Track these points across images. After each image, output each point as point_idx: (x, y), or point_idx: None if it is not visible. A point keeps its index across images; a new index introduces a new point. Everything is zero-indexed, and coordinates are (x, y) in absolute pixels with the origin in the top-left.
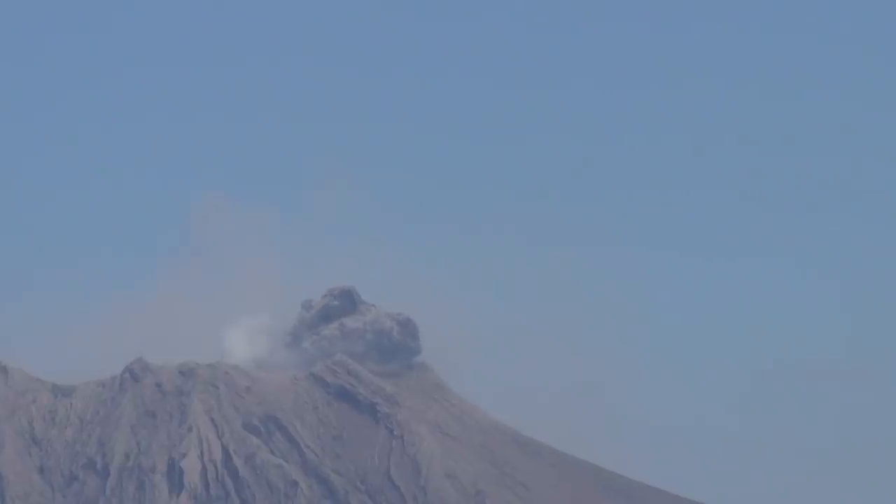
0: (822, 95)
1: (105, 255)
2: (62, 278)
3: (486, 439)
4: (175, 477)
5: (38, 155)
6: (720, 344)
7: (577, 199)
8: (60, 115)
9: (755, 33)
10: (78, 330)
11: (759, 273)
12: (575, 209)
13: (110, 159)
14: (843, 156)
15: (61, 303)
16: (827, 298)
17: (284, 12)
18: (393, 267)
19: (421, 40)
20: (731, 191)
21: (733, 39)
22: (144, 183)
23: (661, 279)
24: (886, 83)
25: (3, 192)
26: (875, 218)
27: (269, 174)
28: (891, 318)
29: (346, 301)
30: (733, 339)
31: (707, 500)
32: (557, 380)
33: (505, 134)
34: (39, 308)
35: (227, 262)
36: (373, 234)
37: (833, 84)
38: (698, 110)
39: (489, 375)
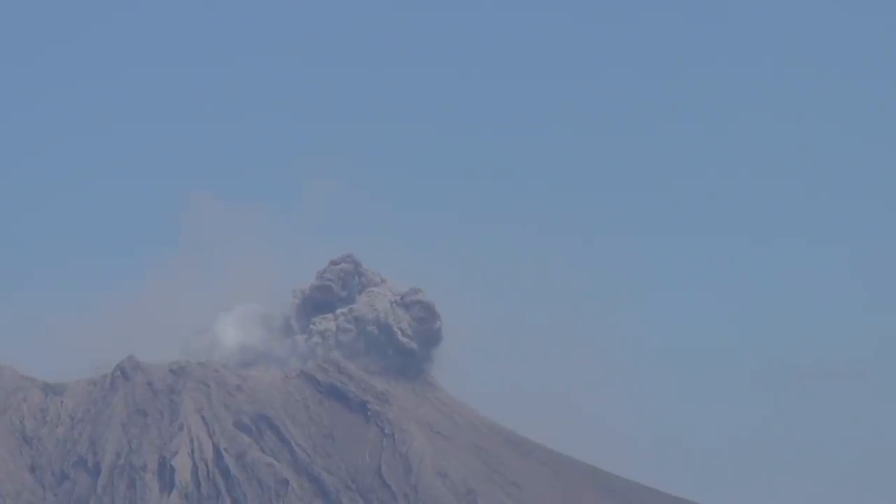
0: (842, 85)
1: (95, 253)
2: (52, 277)
3: (477, 438)
4: (166, 475)
5: (24, 154)
6: (718, 344)
7: (576, 198)
8: (48, 114)
9: (771, 28)
10: (69, 328)
11: (757, 272)
12: (574, 207)
13: (97, 158)
14: (850, 150)
15: (52, 301)
16: (827, 298)
17: (274, 8)
18: (385, 264)
19: (420, 30)
20: (737, 187)
21: (744, 33)
22: (133, 181)
23: (658, 278)
24: None
25: None
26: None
27: (260, 171)
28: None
29: (348, 272)
30: (732, 339)
31: (702, 500)
32: (550, 378)
33: (501, 131)
34: (30, 306)
35: (217, 259)
36: (366, 230)
37: (857, 74)
38: (705, 103)
39: (481, 374)
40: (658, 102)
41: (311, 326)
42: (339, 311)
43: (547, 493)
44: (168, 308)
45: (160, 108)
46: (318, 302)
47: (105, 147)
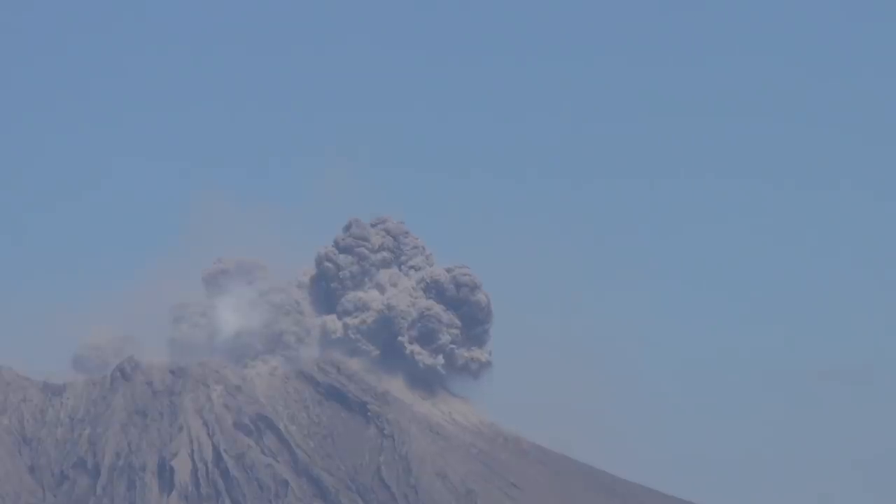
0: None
1: (96, 253)
2: (53, 276)
3: (477, 439)
4: (166, 476)
5: (24, 153)
6: (719, 345)
7: (580, 198)
8: (48, 115)
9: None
10: (69, 328)
11: (766, 273)
12: (577, 206)
13: (96, 158)
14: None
15: (52, 301)
16: (836, 299)
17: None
18: None
19: (423, 20)
20: (744, 189)
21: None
22: (135, 181)
23: (659, 278)
24: None
25: None
26: None
27: (264, 168)
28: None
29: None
30: (733, 340)
31: (702, 501)
32: (551, 379)
33: (502, 124)
34: (30, 306)
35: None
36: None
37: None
38: (709, 99)
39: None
40: (664, 95)
41: (313, 320)
42: (345, 301)
43: (547, 495)
44: (169, 306)
45: (161, 105)
46: (322, 291)
47: (104, 147)
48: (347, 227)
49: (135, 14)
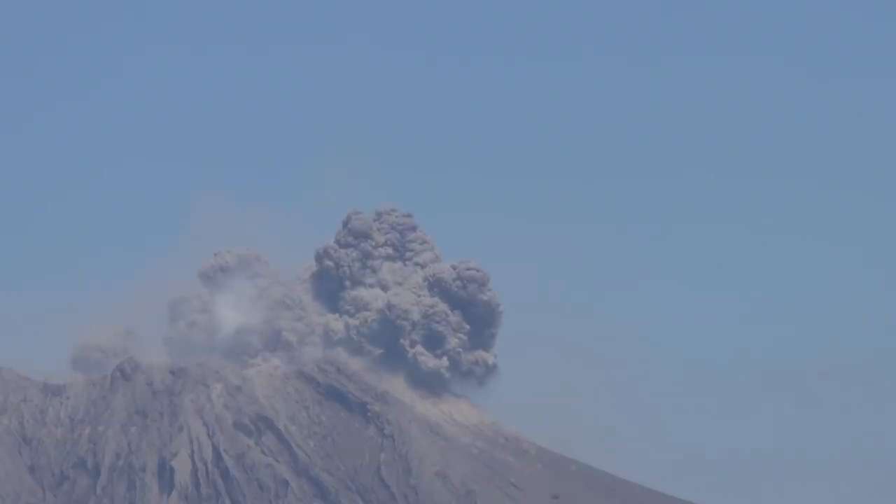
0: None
1: (96, 253)
2: (53, 276)
3: (477, 439)
4: (166, 476)
5: (24, 153)
6: (719, 345)
7: (581, 197)
8: (48, 115)
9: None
10: (68, 328)
11: (768, 273)
12: (579, 205)
13: (97, 158)
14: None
15: (52, 301)
16: (840, 298)
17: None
18: None
19: (423, 20)
20: (747, 188)
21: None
22: (135, 181)
23: (659, 278)
24: None
25: None
26: None
27: (265, 168)
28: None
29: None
30: (733, 341)
31: (702, 501)
32: (551, 380)
33: (504, 119)
34: (30, 306)
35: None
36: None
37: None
38: (708, 96)
39: None
40: (664, 95)
41: (315, 318)
42: (347, 300)
43: (547, 495)
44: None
45: (159, 107)
46: (324, 288)
47: (105, 147)
48: (346, 222)
49: (135, 14)
